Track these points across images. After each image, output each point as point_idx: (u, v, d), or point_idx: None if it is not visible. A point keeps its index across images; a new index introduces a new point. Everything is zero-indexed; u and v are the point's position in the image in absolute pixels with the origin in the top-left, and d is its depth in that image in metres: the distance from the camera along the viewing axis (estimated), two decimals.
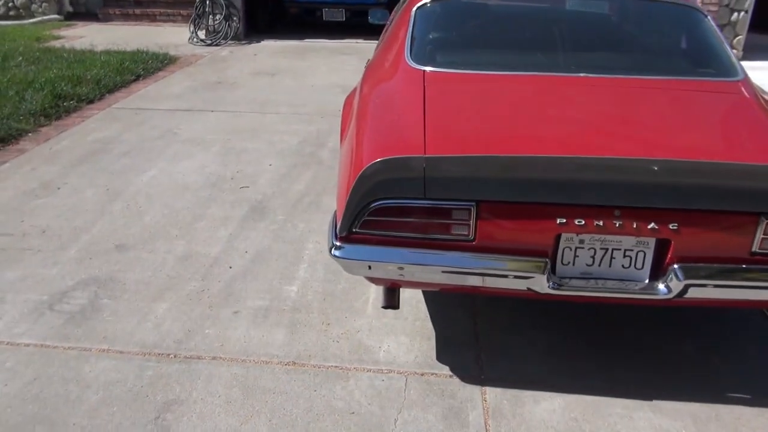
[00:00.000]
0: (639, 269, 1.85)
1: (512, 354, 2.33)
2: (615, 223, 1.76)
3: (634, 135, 1.96)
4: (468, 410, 2.04)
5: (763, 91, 2.44)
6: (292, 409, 2.04)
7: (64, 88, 5.48)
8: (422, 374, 2.21)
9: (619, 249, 1.83)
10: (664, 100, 2.18)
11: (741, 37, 7.94)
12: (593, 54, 2.52)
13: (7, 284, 2.73)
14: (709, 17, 2.69)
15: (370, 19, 4.65)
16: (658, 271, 1.83)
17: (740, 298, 1.87)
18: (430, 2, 2.73)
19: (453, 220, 1.82)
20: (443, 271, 1.87)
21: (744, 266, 1.77)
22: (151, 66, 6.79)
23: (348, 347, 2.35)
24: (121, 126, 4.87)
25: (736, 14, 7.74)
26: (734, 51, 7.68)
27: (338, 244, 1.88)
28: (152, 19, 10.48)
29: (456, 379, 2.18)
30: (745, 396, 2.12)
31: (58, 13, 10.67)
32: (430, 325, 2.47)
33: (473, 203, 1.77)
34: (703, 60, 2.48)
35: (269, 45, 8.65)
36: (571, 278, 1.87)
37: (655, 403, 2.08)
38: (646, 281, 1.85)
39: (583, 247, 1.84)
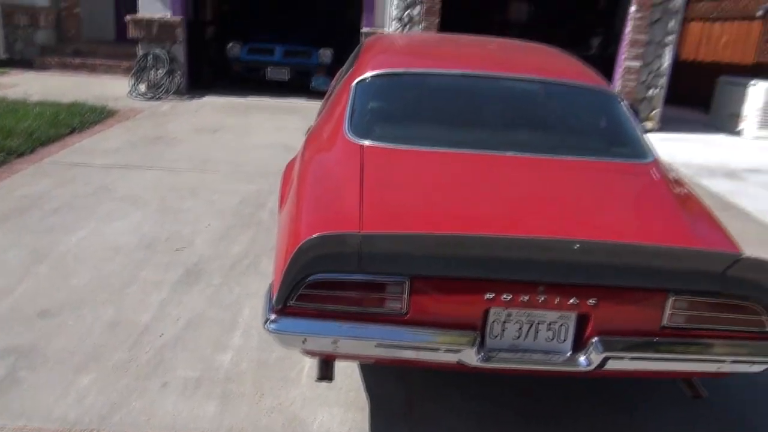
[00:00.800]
0: (562, 342, 1.94)
1: (445, 426, 2.35)
2: (539, 299, 1.86)
3: (557, 214, 2.10)
4: None
5: (671, 169, 2.67)
6: None
7: None
8: None
9: (544, 323, 1.92)
10: (582, 181, 2.35)
11: (657, 111, 8.61)
12: (520, 133, 2.70)
13: None
14: (623, 102, 2.94)
15: (313, 85, 4.77)
16: (579, 344, 1.93)
17: (655, 370, 1.99)
18: (369, 77, 2.86)
19: (387, 295, 1.87)
20: (377, 345, 1.90)
21: (656, 339, 1.89)
22: (88, 119, 6.67)
23: (281, 420, 2.31)
24: (52, 181, 4.73)
25: (652, 90, 8.42)
26: (651, 123, 8.31)
27: (273, 317, 1.89)
28: (92, 69, 10.35)
29: None
30: None
31: None
32: (364, 395, 2.48)
33: (406, 278, 1.84)
34: (618, 142, 2.70)
35: (212, 101, 8.68)
36: (499, 351, 1.94)
37: None
38: (569, 354, 1.94)
39: (510, 321, 1.92)
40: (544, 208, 2.14)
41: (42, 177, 4.83)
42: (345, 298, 1.88)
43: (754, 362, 1.89)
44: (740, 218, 5.07)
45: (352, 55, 4.16)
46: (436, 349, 1.90)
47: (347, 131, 2.57)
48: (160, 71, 8.81)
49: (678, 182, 2.52)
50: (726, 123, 9.24)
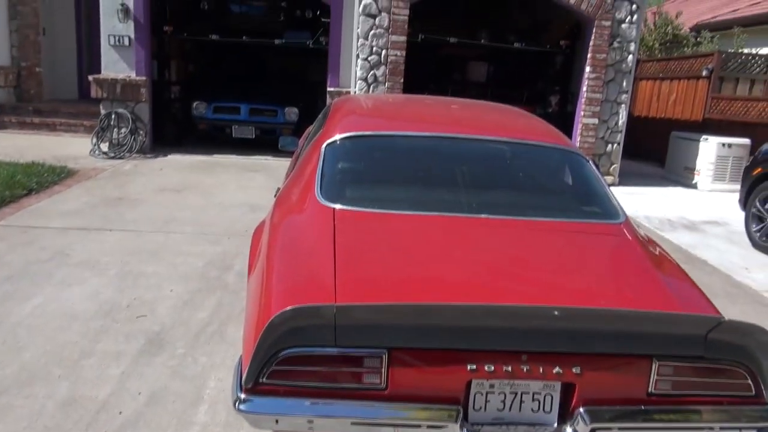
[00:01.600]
0: (548, 413, 1.87)
1: None
2: (522, 368, 1.80)
3: (535, 280, 2.07)
4: None
5: (639, 226, 2.69)
6: None
7: None
8: None
9: (528, 393, 1.85)
10: (557, 243, 2.34)
11: (616, 165, 8.88)
12: (491, 194, 2.70)
13: None
14: (590, 161, 2.99)
15: (281, 145, 4.74)
16: (565, 415, 1.86)
17: None
18: (339, 140, 2.84)
19: (364, 369, 1.78)
20: (354, 423, 1.79)
21: (643, 407, 1.84)
22: (46, 179, 6.48)
23: None
24: (6, 246, 4.51)
25: (610, 146, 8.70)
26: (611, 177, 8.54)
27: (243, 396, 1.77)
28: (52, 128, 10.17)
29: None
30: None
31: None
32: None
33: (384, 351, 1.75)
34: (588, 202, 2.71)
35: (176, 159, 8.58)
36: (483, 425, 1.86)
37: None
38: (555, 425, 1.87)
39: (493, 392, 1.84)
40: (521, 273, 2.10)
41: None
42: (320, 373, 1.78)
43: (742, 428, 1.85)
44: (705, 271, 5.16)
45: (321, 115, 4.17)
46: (418, 426, 1.80)
47: (318, 195, 2.52)
48: (123, 130, 8.70)
49: (650, 242, 2.54)
50: (681, 176, 9.58)
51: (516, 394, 1.85)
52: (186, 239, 4.98)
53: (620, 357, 1.83)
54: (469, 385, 1.82)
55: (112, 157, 8.38)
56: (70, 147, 8.78)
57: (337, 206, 2.44)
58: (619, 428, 1.84)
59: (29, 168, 6.75)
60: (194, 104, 9.36)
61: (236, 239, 5.03)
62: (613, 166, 8.83)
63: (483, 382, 1.82)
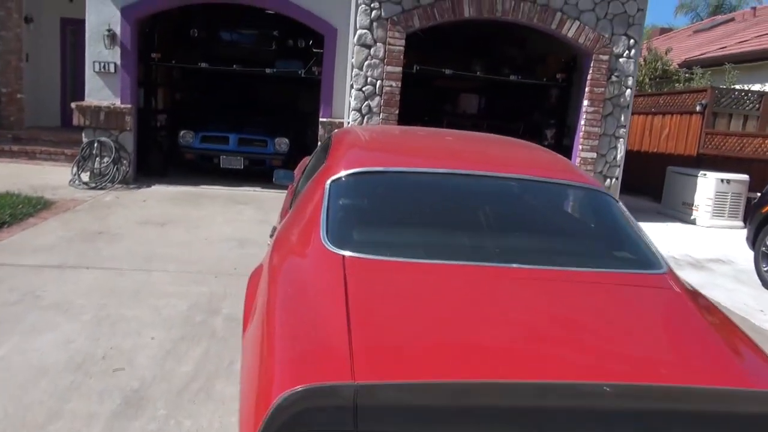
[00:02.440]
0: None
1: None
2: None
3: (586, 347, 1.76)
4: None
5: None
6: None
7: None
8: None
9: None
10: (599, 299, 2.04)
11: None
12: (517, 239, 2.41)
13: None
14: (619, 202, 2.71)
15: (275, 179, 4.42)
16: None
17: None
18: (345, 176, 2.54)
19: None
20: None
21: None
22: (21, 211, 6.09)
23: None
24: None
25: (609, 180, 8.52)
26: None
27: None
28: (31, 157, 9.79)
29: None
30: None
31: None
32: None
33: None
34: (625, 249, 2.42)
35: (161, 190, 8.23)
36: None
37: None
38: None
39: None
40: (567, 338, 1.80)
41: None
42: None
43: None
44: None
45: (319, 148, 3.89)
46: None
47: (324, 238, 2.20)
48: (105, 159, 8.36)
49: (699, 295, 2.25)
50: (679, 211, 9.42)
51: None
52: (169, 278, 4.61)
53: None
54: None
55: (93, 188, 8.02)
56: (49, 176, 8.41)
57: (347, 253, 2.12)
58: None
59: (2, 199, 6.37)
60: (181, 133, 9.06)
61: (224, 279, 4.68)
62: None
63: None
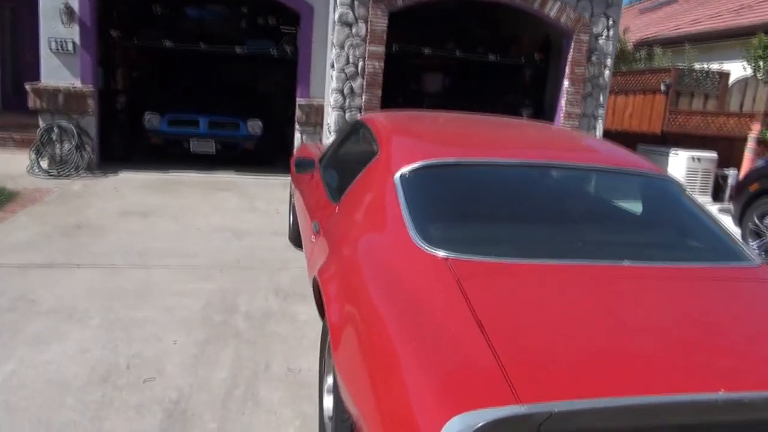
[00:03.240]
0: None
1: None
2: None
3: (740, 350, 1.67)
4: None
5: None
6: None
7: None
8: None
9: None
10: (716, 296, 1.96)
11: None
12: (611, 234, 2.31)
13: None
14: (687, 190, 2.65)
15: (296, 171, 4.10)
16: None
17: None
18: (415, 170, 2.36)
19: None
20: None
21: None
22: None
23: None
24: None
25: None
26: None
27: None
28: None
29: None
30: None
31: None
32: None
33: None
34: (712, 241, 2.34)
35: (130, 178, 7.74)
36: None
37: None
38: None
39: None
40: (714, 340, 1.70)
41: None
42: None
43: None
44: None
45: (349, 137, 3.66)
46: None
47: (417, 239, 2.02)
48: (66, 145, 7.77)
49: None
50: None
51: None
52: (172, 275, 4.30)
53: None
54: None
55: (56, 176, 7.45)
56: (2, 164, 7.74)
57: (445, 254, 1.95)
58: None
59: None
60: (146, 116, 8.51)
61: (231, 273, 4.41)
62: None
63: None
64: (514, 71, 9.97)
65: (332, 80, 7.70)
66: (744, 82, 11.71)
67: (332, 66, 7.69)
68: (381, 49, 7.61)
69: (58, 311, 3.56)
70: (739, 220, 6.20)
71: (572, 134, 3.15)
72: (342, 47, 7.58)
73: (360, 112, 7.70)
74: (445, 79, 11.12)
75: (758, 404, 1.41)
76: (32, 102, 7.81)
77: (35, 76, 8.01)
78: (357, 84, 7.69)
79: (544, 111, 9.08)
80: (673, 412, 1.36)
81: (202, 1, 9.04)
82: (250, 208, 6.54)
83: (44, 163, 7.66)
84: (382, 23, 7.53)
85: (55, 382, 2.81)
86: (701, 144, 10.16)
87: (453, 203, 2.34)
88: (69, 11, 7.59)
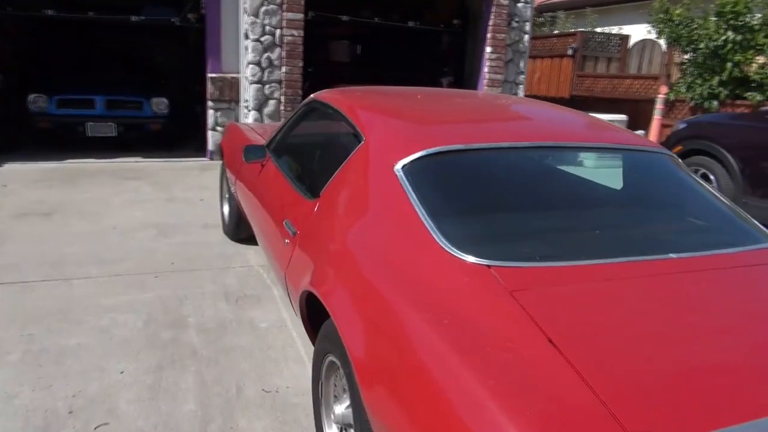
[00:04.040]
0: None
1: None
2: None
3: None
4: None
5: None
6: None
7: None
8: None
9: None
10: (762, 284, 1.84)
11: None
12: (638, 222, 2.13)
13: None
14: (683, 164, 2.54)
15: (246, 160, 3.56)
16: None
17: None
18: (418, 159, 2.05)
19: None
20: None
21: None
22: None
23: None
24: None
25: None
26: None
27: None
28: None
29: None
30: None
31: None
32: None
33: None
34: (723, 222, 2.24)
35: (19, 170, 6.75)
36: None
37: None
38: None
39: None
40: None
41: None
42: None
43: None
44: None
45: (297, 117, 3.25)
46: None
47: (444, 244, 1.72)
48: None
49: None
50: None
51: None
52: (98, 287, 3.71)
53: None
54: None
55: None
56: None
57: (488, 262, 1.67)
58: None
59: None
60: (30, 98, 7.43)
61: (167, 278, 3.88)
62: None
63: None
64: (431, 38, 9.75)
65: (248, 51, 7.08)
66: (641, 44, 12.27)
67: (246, 36, 7.06)
68: (299, 16, 7.08)
69: None
70: None
71: (559, 109, 2.95)
72: (256, 15, 6.96)
73: (281, 86, 7.18)
74: (359, 47, 10.71)
75: None
76: None
77: None
78: (275, 55, 7.13)
79: (464, 79, 8.97)
80: None
81: None
82: (168, 197, 5.90)
83: None
84: None
85: None
86: (609, 107, 10.55)
87: (470, 198, 2.06)
88: None
